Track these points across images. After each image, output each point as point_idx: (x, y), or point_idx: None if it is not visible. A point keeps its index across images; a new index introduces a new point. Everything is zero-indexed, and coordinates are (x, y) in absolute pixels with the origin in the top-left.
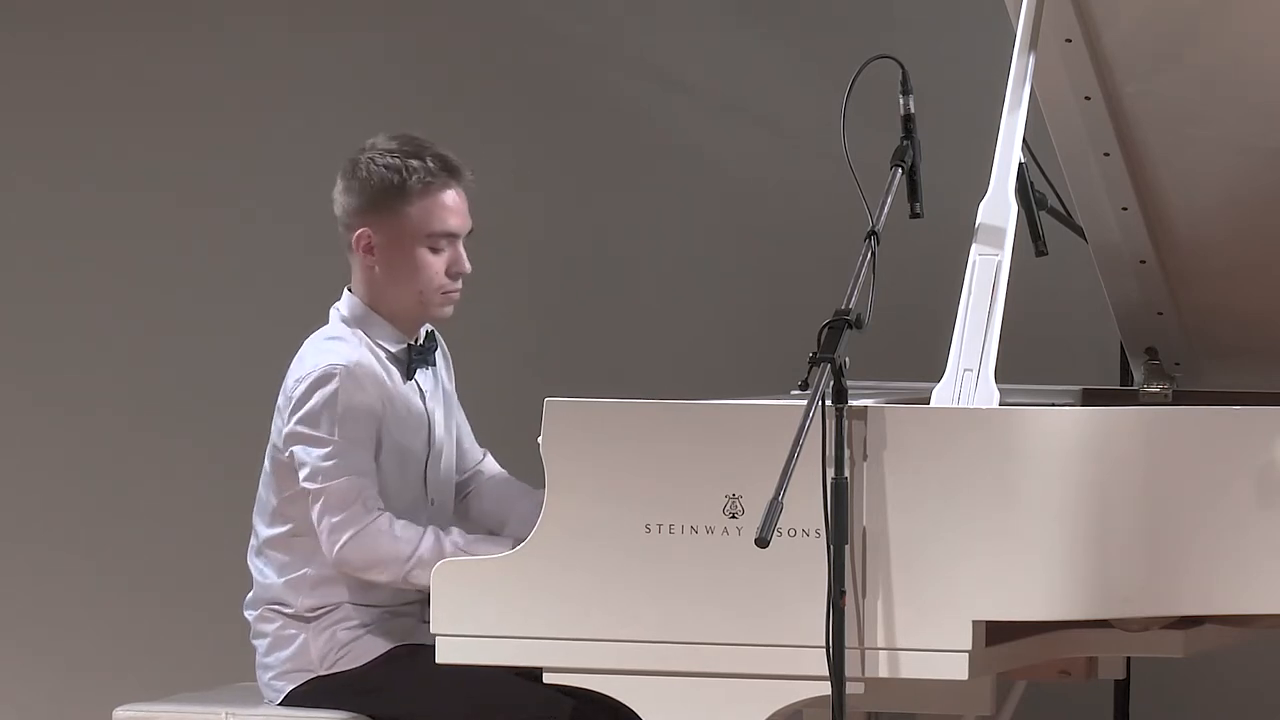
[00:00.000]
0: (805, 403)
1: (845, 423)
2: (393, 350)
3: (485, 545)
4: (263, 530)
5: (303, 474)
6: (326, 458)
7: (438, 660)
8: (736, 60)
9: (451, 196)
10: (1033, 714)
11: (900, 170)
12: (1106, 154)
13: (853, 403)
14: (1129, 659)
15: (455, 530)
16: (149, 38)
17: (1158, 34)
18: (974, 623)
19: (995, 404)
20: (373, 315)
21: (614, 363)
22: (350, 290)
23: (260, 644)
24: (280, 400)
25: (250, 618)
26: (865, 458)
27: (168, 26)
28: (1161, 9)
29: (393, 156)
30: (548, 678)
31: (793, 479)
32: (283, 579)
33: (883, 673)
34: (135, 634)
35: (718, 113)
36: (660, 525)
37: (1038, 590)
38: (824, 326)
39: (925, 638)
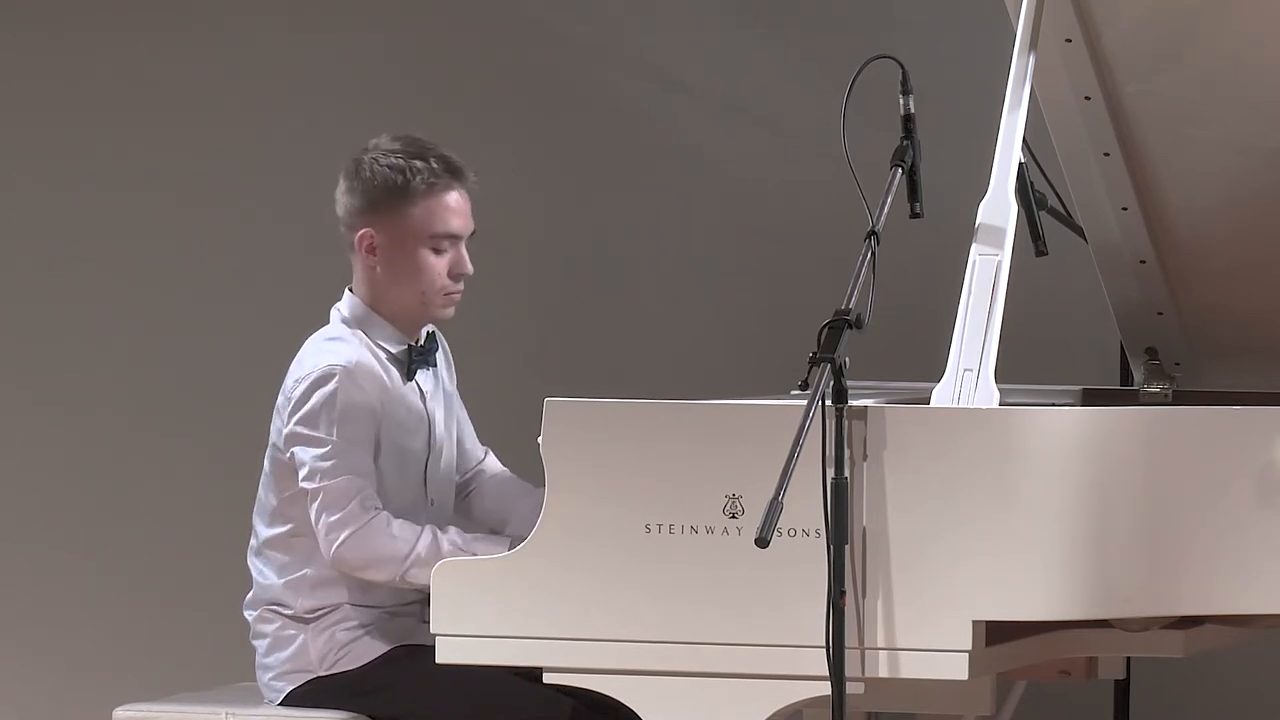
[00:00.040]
0: (805, 403)
1: (845, 423)
2: (393, 351)
3: (483, 544)
4: (263, 530)
5: (301, 473)
6: (325, 457)
7: (438, 660)
8: (736, 60)
9: (455, 198)
10: (1033, 714)
11: (900, 170)
12: (1106, 154)
13: (853, 403)
14: (1129, 659)
15: (453, 529)
16: (149, 38)
17: (1158, 34)
18: (974, 623)
19: (995, 404)
20: (373, 316)
21: (614, 363)
22: (351, 291)
23: (260, 644)
24: (280, 400)
25: (250, 618)
26: (865, 458)
27: (168, 26)
28: (1161, 9)
29: (396, 157)
30: (548, 678)
31: (793, 479)
32: (282, 580)
33: (883, 673)
34: (135, 634)
35: (718, 113)
36: (660, 525)
37: (1038, 590)
38: (824, 326)
39: (925, 638)
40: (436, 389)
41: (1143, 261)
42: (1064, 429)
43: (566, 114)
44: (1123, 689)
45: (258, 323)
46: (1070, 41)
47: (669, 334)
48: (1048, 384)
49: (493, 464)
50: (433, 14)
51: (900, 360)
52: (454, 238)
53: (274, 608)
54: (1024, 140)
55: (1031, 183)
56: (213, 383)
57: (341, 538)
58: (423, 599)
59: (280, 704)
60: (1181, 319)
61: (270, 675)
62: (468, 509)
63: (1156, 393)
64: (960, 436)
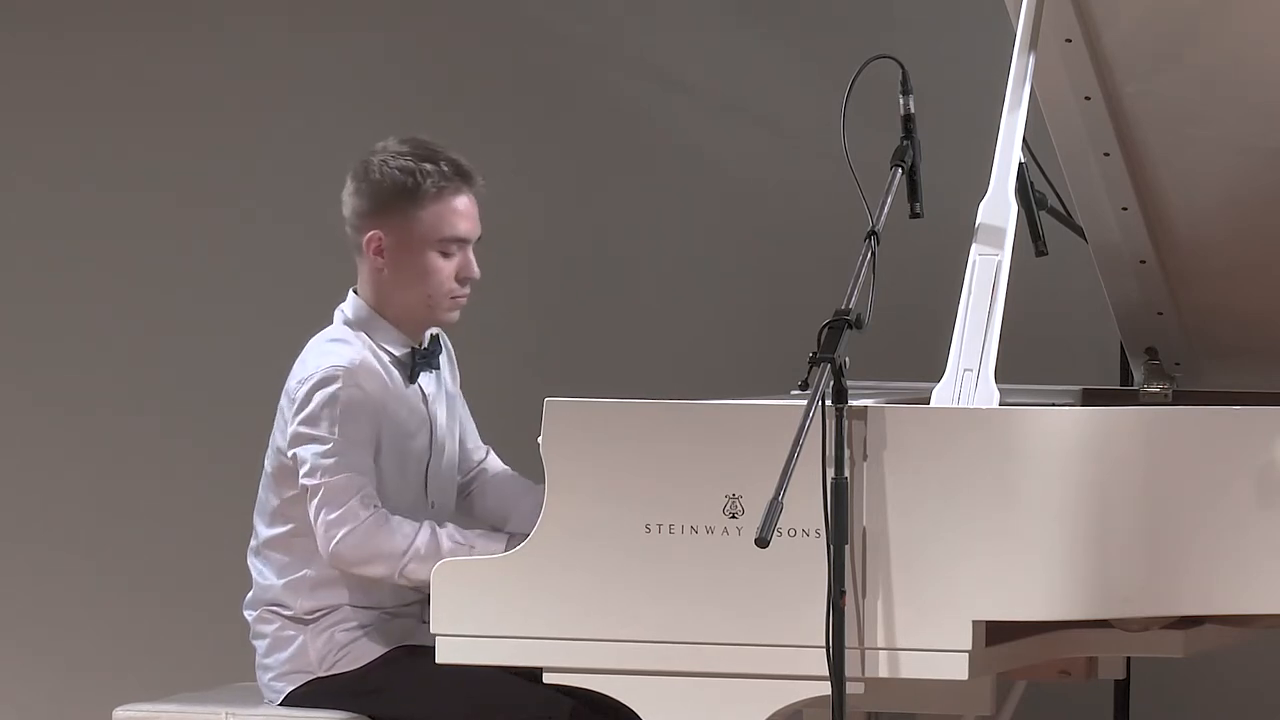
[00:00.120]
0: (805, 403)
1: (845, 423)
2: (396, 354)
3: (482, 539)
4: (263, 530)
5: (302, 471)
6: (325, 455)
7: (438, 660)
8: (736, 60)
9: (464, 202)
10: (1033, 714)
11: (900, 170)
12: (1106, 154)
13: (853, 403)
14: (1129, 659)
15: (450, 525)
16: (149, 38)
17: (1158, 34)
18: (974, 623)
19: (995, 404)
20: (377, 318)
21: (614, 363)
22: (355, 292)
23: (260, 645)
24: (283, 401)
25: (250, 618)
26: (865, 458)
27: (168, 26)
28: (1161, 9)
29: (406, 159)
30: (548, 678)
31: (793, 479)
32: (282, 580)
33: (883, 673)
34: (135, 634)
35: (718, 113)
36: (660, 525)
37: (1038, 590)
38: (824, 326)
39: (925, 638)
40: (439, 390)
41: (1143, 261)
42: (1064, 429)
43: (566, 114)
44: (1123, 689)
45: (258, 323)
46: (1070, 41)
47: (669, 334)
48: (1048, 384)
49: (494, 463)
50: (433, 14)
51: (900, 360)
52: (462, 241)
53: (274, 608)
54: (1024, 140)
55: (1031, 183)
56: (213, 383)
57: (340, 534)
58: (422, 600)
59: (280, 704)
60: (1181, 319)
61: (270, 675)
62: (469, 508)
63: (1156, 393)
64: (960, 436)
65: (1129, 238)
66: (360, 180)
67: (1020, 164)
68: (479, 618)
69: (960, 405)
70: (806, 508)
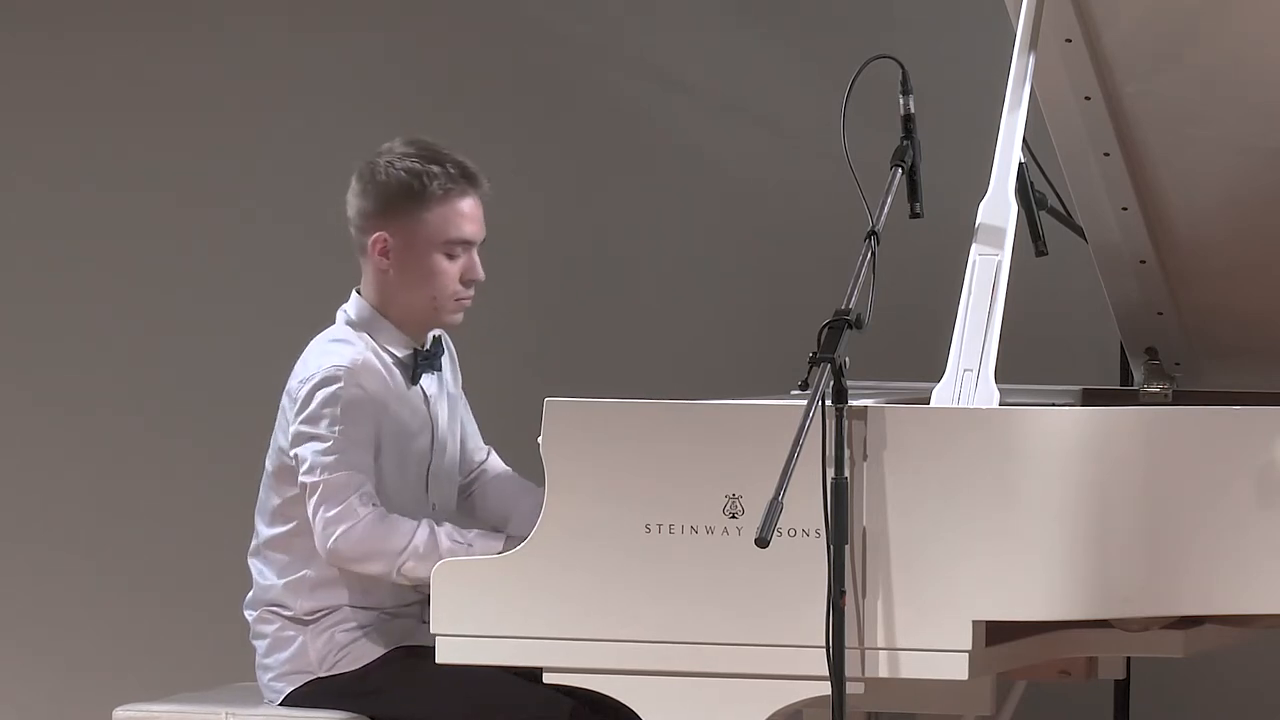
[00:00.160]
0: (805, 403)
1: (845, 423)
2: (398, 355)
3: (480, 539)
4: (264, 530)
5: (302, 469)
6: (325, 453)
7: (438, 660)
8: (736, 60)
9: (469, 204)
10: (1033, 714)
11: (900, 170)
12: (1106, 154)
13: (853, 403)
14: (1129, 659)
15: (448, 524)
16: (149, 38)
17: (1158, 34)
18: (974, 623)
19: (995, 404)
20: (380, 320)
21: (614, 363)
22: (359, 293)
23: (260, 645)
24: (285, 401)
25: (250, 618)
26: (865, 458)
27: (168, 26)
28: (1161, 9)
29: (412, 161)
30: (548, 678)
31: (793, 479)
32: (282, 580)
33: (883, 673)
34: (135, 634)
35: (718, 113)
36: (660, 525)
37: (1038, 590)
38: (824, 326)
39: (925, 638)
40: (440, 392)
41: (1143, 261)
42: (1064, 429)
43: (566, 114)
44: (1123, 689)
45: (258, 323)
46: (1070, 41)
47: (669, 334)
48: (1048, 384)
49: (495, 463)
50: (433, 14)
51: (900, 360)
52: (467, 243)
53: (274, 609)
54: (1024, 140)
55: (1031, 183)
56: (213, 383)
57: (338, 531)
58: (422, 600)
59: (280, 704)
60: (1181, 319)
61: (270, 676)
62: (470, 509)
63: (1156, 393)
64: (960, 436)
65: (1129, 238)
66: (366, 181)
67: (1020, 164)
68: (479, 618)
69: (960, 405)
70: (806, 508)
